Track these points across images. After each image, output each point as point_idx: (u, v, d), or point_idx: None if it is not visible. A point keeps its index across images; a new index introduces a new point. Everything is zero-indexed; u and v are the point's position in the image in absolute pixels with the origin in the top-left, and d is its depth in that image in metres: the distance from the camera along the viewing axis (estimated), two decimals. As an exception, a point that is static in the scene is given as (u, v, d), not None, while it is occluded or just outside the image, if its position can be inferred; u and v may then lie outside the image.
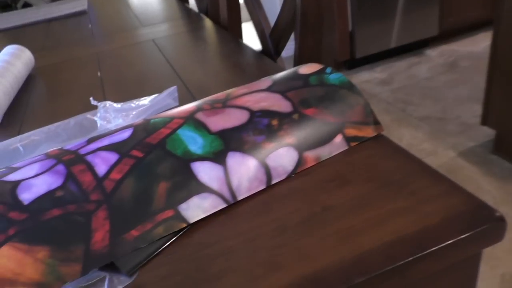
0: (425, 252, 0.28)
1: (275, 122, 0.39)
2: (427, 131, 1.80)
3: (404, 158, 0.37)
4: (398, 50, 2.51)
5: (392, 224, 0.30)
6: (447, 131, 1.77)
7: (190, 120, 0.39)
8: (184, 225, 0.33)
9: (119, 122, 0.48)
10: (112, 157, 0.36)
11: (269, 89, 0.43)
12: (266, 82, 0.45)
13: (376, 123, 0.41)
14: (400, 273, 0.28)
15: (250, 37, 2.73)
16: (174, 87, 0.53)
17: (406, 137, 1.78)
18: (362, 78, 2.34)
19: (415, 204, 0.32)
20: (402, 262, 0.27)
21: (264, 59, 0.68)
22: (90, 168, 0.35)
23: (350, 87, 0.43)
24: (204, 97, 0.56)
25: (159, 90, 0.59)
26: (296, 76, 0.45)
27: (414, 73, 2.31)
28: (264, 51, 0.80)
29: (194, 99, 0.56)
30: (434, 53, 2.48)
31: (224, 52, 0.75)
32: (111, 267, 0.30)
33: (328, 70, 0.45)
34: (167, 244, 0.32)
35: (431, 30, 2.43)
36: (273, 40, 0.77)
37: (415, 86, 2.18)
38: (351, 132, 0.40)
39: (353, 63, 2.43)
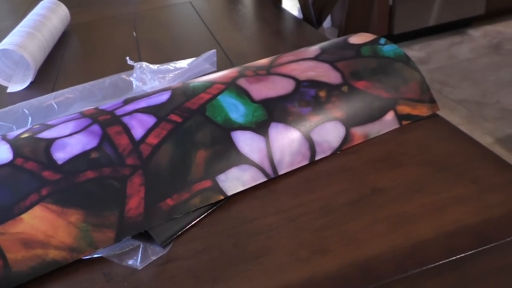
0: (489, 246, 0.25)
1: (322, 94, 0.36)
2: (464, 115, 1.72)
3: (464, 142, 0.34)
4: (439, 28, 2.39)
5: (451, 212, 0.27)
6: (485, 116, 1.70)
7: (232, 86, 0.37)
8: (222, 197, 0.31)
9: (155, 84, 0.46)
10: (150, 120, 0.34)
11: (317, 58, 0.40)
12: (313, 50, 0.42)
13: (432, 101, 0.38)
14: (459, 266, 0.25)
15: (288, 4, 2.65)
16: (213, 50, 0.50)
17: (441, 119, 1.71)
18: (399, 55, 2.24)
19: (477, 192, 0.29)
20: (463, 254, 0.25)
21: (306, 27, 0.64)
22: (126, 130, 0.33)
23: (406, 60, 0.39)
24: (243, 63, 0.53)
25: (196, 54, 0.56)
26: (346, 46, 0.42)
27: (454, 53, 2.21)
28: (305, 19, 0.76)
29: (232, 65, 0.53)
30: (477, 34, 2.36)
31: (264, 17, 0.71)
32: (145, 236, 0.29)
33: (382, 41, 0.42)
34: (202, 216, 0.30)
35: (477, 8, 2.30)
36: (316, 8, 0.72)
37: (454, 67, 2.09)
38: (404, 109, 0.37)
39: (390, 39, 2.34)
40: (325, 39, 0.58)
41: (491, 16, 2.45)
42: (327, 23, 2.60)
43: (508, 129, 1.60)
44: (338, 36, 0.66)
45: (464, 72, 2.02)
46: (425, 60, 2.17)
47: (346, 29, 0.59)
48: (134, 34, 0.70)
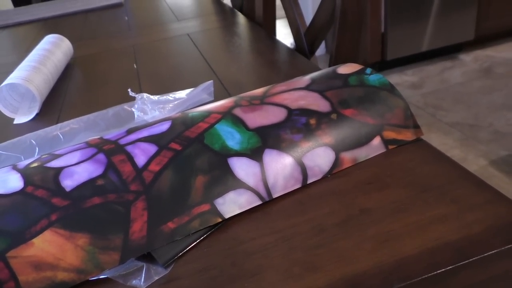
0: (468, 261, 0.27)
1: (313, 121, 0.39)
2: (458, 138, 1.75)
3: (445, 164, 0.36)
4: (431, 54, 2.46)
5: (433, 230, 0.29)
6: (479, 139, 1.73)
7: (228, 115, 0.40)
8: (220, 219, 0.33)
9: (156, 114, 0.48)
10: (151, 148, 0.36)
11: (307, 88, 0.43)
12: (304, 80, 0.45)
13: (416, 126, 0.40)
14: (441, 281, 0.27)
15: (282, 35, 2.72)
16: (210, 81, 0.53)
17: (435, 142, 1.74)
18: (392, 81, 2.30)
19: (458, 211, 0.31)
20: (444, 269, 0.27)
21: (299, 57, 0.67)
22: (130, 158, 0.35)
23: (391, 89, 0.42)
24: (239, 93, 0.56)
25: (194, 85, 0.59)
26: (335, 76, 0.44)
27: (446, 77, 2.26)
28: (298, 49, 0.80)
29: (229, 95, 0.56)
30: (468, 58, 2.42)
31: (259, 48, 0.75)
32: (148, 257, 0.31)
33: (368, 70, 0.44)
34: (202, 238, 0.32)
35: (467, 34, 2.37)
36: (308, 39, 0.76)
37: (447, 91, 2.13)
38: (390, 134, 0.39)
39: (384, 65, 2.40)
40: (316, 69, 0.61)
41: (480, 41, 2.52)
42: (321, 50, 2.67)
43: (501, 151, 1.63)
44: (329, 64, 0.69)
45: (457, 95, 2.07)
46: (418, 84, 2.22)
47: (336, 58, 0.62)
48: (135, 66, 0.73)
